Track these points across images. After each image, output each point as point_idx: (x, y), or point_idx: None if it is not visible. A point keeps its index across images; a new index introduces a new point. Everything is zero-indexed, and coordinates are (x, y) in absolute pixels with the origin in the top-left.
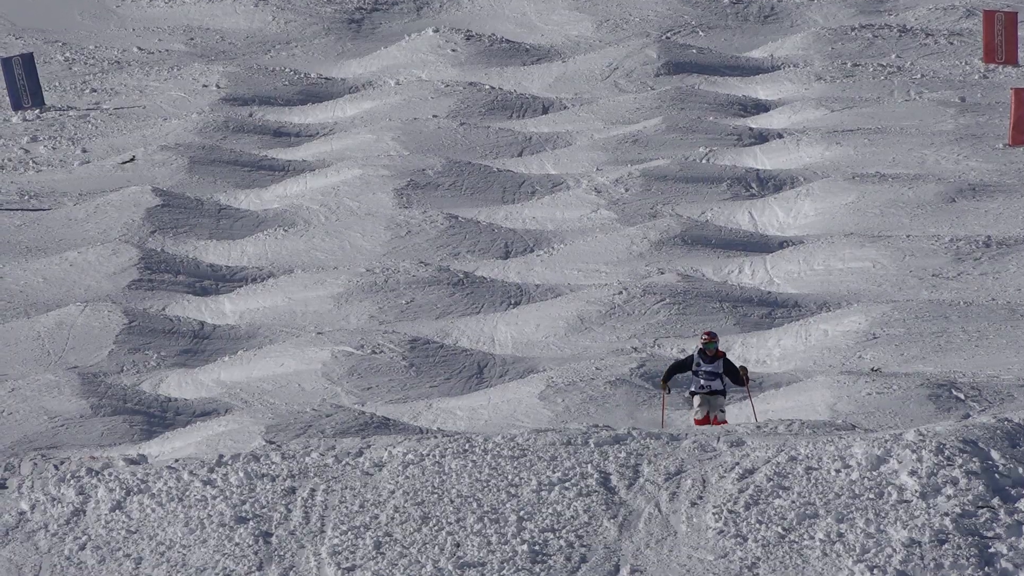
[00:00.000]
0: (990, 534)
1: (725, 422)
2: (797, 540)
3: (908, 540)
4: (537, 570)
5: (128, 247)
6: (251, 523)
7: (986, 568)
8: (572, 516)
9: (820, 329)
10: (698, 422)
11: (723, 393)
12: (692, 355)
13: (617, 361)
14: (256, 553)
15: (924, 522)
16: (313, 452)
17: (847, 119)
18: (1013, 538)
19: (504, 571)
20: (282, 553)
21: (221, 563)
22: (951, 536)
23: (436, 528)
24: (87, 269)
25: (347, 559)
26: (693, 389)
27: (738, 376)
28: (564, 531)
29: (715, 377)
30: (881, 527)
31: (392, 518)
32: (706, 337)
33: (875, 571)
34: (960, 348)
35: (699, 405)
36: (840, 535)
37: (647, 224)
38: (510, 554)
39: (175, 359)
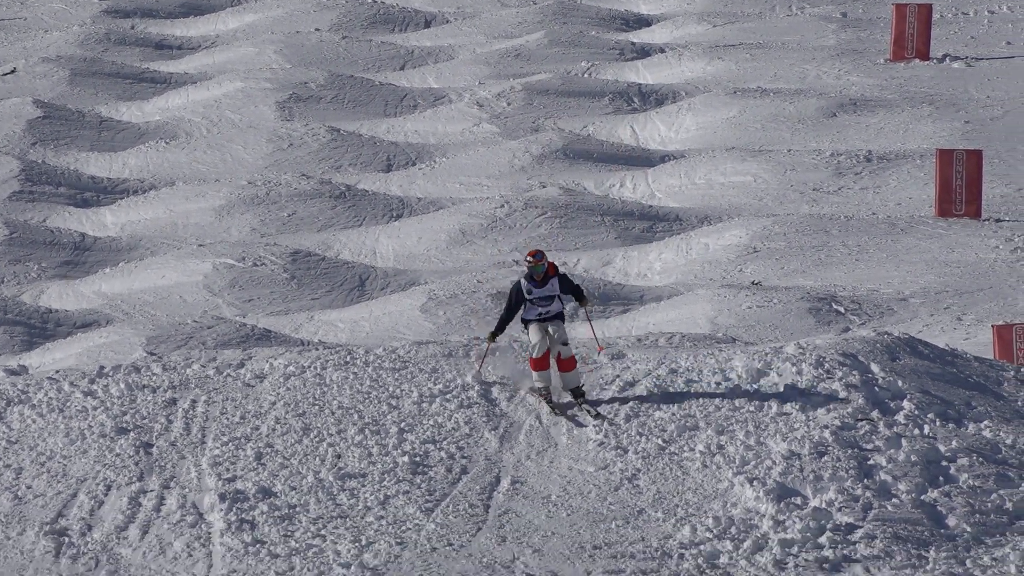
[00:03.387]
0: (869, 447)
1: (572, 360)
2: (677, 452)
3: (788, 452)
4: (418, 481)
5: (9, 159)
6: (132, 434)
7: (865, 480)
8: (453, 428)
9: (701, 243)
10: (536, 364)
11: (562, 316)
12: (517, 283)
13: (498, 274)
14: (137, 464)
15: (804, 435)
16: (194, 363)
17: (729, 34)
18: (892, 450)
19: (385, 482)
20: (163, 463)
21: (102, 473)
22: (830, 448)
23: (317, 439)
24: None
25: (228, 470)
26: (527, 317)
27: (580, 292)
28: (445, 442)
29: (551, 300)
30: (761, 439)
31: (273, 429)
32: (530, 260)
33: (755, 483)
34: (840, 262)
35: (537, 338)
36: (720, 447)
37: (529, 138)
38: (391, 465)
39: (56, 270)
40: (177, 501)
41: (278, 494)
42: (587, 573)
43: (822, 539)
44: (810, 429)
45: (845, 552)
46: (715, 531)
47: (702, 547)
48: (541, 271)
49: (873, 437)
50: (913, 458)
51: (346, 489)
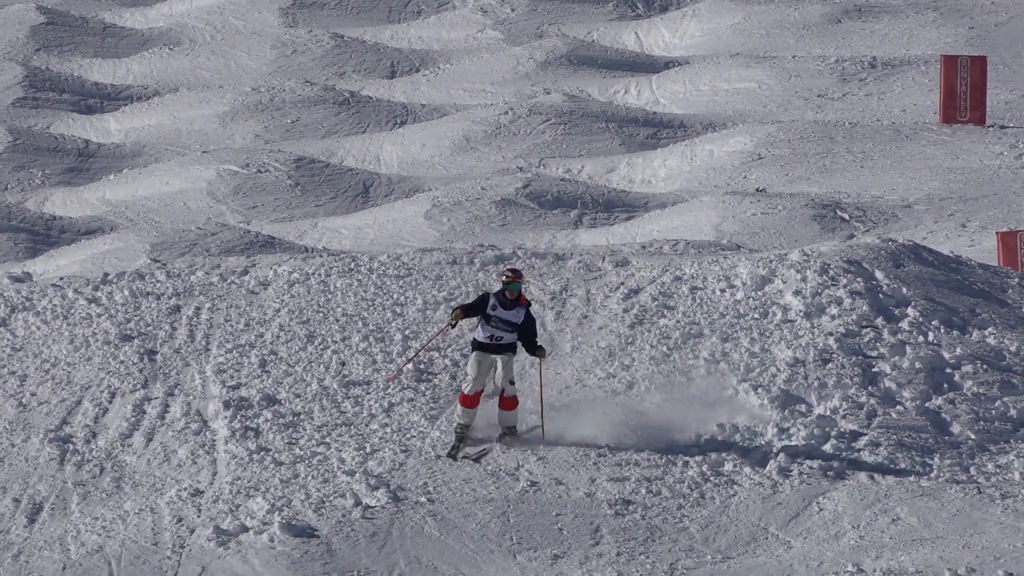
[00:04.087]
0: (874, 354)
1: (514, 400)
2: (681, 360)
3: (792, 360)
4: (422, 388)
5: (12, 65)
6: (136, 341)
7: (870, 387)
8: (457, 335)
9: (706, 149)
10: (464, 399)
11: (513, 349)
12: (487, 295)
13: (502, 181)
14: (141, 371)
15: (808, 342)
16: (198, 270)
17: None
18: (896, 357)
19: (390, 389)
20: (167, 371)
21: (106, 381)
22: (835, 355)
23: (321, 347)
24: None
25: (232, 377)
26: (477, 338)
27: (533, 341)
28: (449, 350)
29: (510, 328)
30: (765, 347)
31: (277, 336)
32: (509, 274)
33: (759, 390)
34: (845, 169)
35: (473, 373)
36: (725, 354)
37: (533, 44)
38: (395, 373)
39: (60, 177)
40: (181, 408)
41: (282, 401)
42: (591, 480)
43: (826, 446)
44: (814, 336)
45: (850, 459)
46: (720, 438)
47: (707, 455)
48: (516, 289)
49: (877, 344)
50: (917, 365)
51: (350, 397)
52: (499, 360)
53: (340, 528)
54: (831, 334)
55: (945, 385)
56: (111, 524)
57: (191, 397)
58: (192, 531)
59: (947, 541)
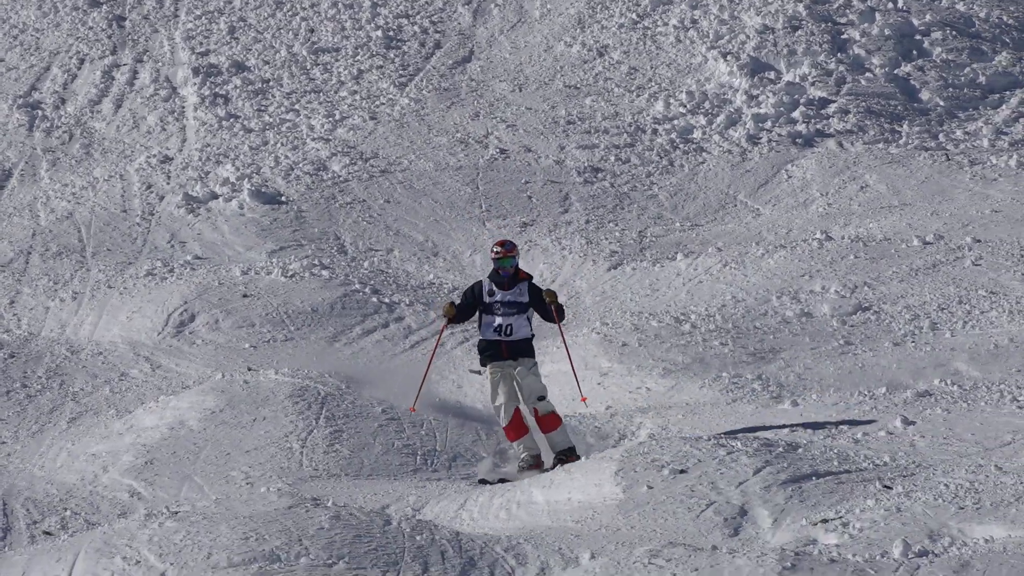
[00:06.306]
0: (843, 20)
1: (554, 416)
2: (651, 26)
3: (761, 26)
4: (391, 56)
5: None
6: (104, 7)
7: (839, 54)
8: (427, 2)
9: None
10: (509, 432)
11: (530, 348)
12: (478, 282)
13: None
14: (110, 37)
15: (778, 8)
16: None
17: None
18: (866, 24)
19: (358, 56)
20: (136, 37)
21: (75, 47)
22: (804, 22)
23: (291, 13)
24: None
25: (201, 44)
26: (484, 336)
27: (545, 308)
28: (419, 17)
29: (518, 310)
30: (735, 14)
31: (246, 3)
32: (498, 249)
33: (728, 57)
34: None
35: (502, 399)
36: (694, 22)
37: None
38: (364, 40)
39: None
40: (150, 75)
41: (251, 68)
42: (560, 148)
43: (795, 114)
44: (784, 3)
45: (818, 127)
46: (688, 106)
47: (675, 122)
48: (510, 266)
49: (847, 11)
50: (887, 32)
51: (320, 64)
52: (517, 375)
53: (309, 195)
54: (800, 0)
55: (914, 52)
56: (80, 191)
57: (160, 64)
58: (161, 198)
59: (915, 208)
